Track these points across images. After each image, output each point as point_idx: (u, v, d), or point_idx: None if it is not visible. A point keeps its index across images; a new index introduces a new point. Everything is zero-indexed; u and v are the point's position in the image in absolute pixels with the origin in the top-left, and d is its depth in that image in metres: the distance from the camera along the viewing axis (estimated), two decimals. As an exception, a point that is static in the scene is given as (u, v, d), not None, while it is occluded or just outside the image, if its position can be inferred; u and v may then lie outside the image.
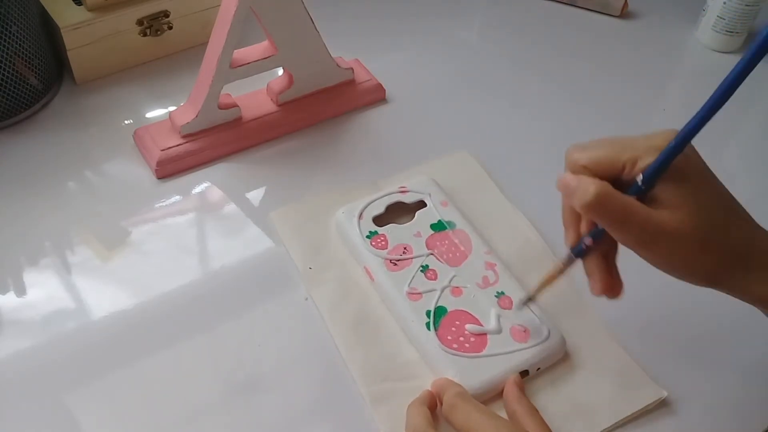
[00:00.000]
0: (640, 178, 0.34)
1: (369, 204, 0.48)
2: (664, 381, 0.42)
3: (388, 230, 0.47)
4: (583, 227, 0.38)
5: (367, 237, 0.47)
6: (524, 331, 0.42)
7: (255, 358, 0.43)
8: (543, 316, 0.43)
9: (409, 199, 0.49)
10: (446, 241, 0.47)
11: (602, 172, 0.35)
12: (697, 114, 0.33)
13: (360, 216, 0.48)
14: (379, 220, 0.48)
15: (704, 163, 0.35)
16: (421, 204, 0.49)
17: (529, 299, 0.42)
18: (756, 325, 0.46)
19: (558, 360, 0.42)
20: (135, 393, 0.41)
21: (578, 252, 0.38)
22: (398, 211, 0.49)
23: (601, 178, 0.35)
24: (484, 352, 0.41)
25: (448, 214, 0.48)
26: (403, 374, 0.42)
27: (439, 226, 0.48)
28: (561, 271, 0.39)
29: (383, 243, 0.46)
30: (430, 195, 0.49)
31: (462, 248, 0.46)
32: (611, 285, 0.38)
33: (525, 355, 0.41)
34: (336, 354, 0.43)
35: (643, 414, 0.41)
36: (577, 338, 0.43)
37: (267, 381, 0.42)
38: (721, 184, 0.35)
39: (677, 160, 0.34)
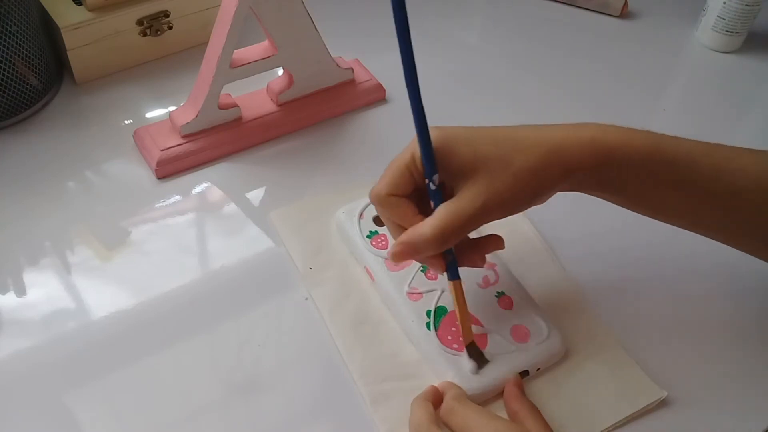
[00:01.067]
0: (431, 186, 0.37)
1: (369, 204, 0.48)
2: (664, 381, 0.42)
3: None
4: (437, 266, 0.39)
5: (368, 237, 0.47)
6: (524, 331, 0.42)
7: (255, 358, 0.43)
8: (543, 316, 0.43)
9: (409, 199, 0.49)
10: (446, 241, 0.47)
11: (403, 186, 0.38)
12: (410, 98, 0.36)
13: (360, 216, 0.48)
14: (379, 220, 0.48)
15: (459, 129, 0.38)
16: (421, 204, 0.49)
17: (473, 347, 0.41)
18: (756, 325, 0.46)
19: (558, 360, 0.42)
20: (135, 393, 0.41)
21: (454, 273, 0.39)
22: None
23: (405, 191, 0.38)
24: (485, 352, 0.41)
25: (448, 214, 0.48)
26: (403, 374, 0.42)
27: (439, 226, 0.48)
28: (461, 300, 0.40)
29: (383, 243, 0.46)
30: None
31: (462, 248, 0.46)
32: (488, 245, 0.41)
33: (525, 355, 0.41)
34: (336, 354, 0.43)
35: (643, 414, 0.41)
36: (577, 338, 0.43)
37: (267, 381, 0.42)
38: (485, 129, 0.38)
39: (439, 145, 0.37)
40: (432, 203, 0.38)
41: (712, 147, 0.41)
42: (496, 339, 0.42)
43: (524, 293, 0.44)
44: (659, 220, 0.43)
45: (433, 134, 0.37)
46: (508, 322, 0.43)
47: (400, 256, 0.38)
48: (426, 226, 0.37)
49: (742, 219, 0.41)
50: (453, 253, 0.39)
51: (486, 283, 0.45)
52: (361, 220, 0.48)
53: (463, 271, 0.45)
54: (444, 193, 0.38)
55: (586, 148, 0.38)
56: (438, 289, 0.44)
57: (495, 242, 0.41)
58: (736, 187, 0.40)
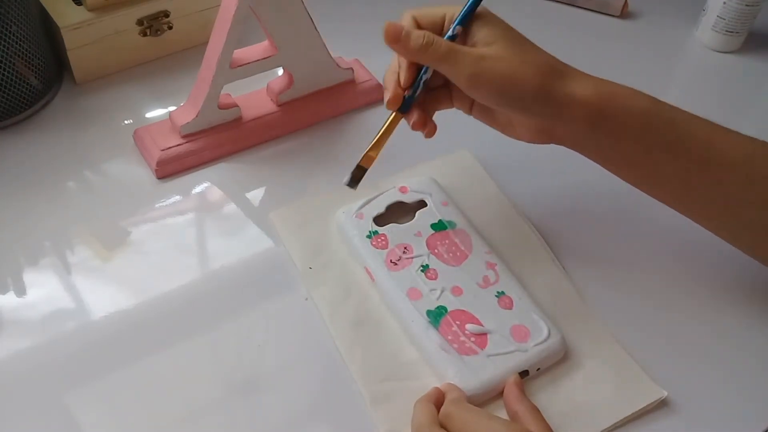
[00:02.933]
0: (454, 25, 0.41)
1: (369, 204, 0.48)
2: (664, 381, 0.42)
3: (389, 230, 0.47)
4: (403, 79, 0.42)
5: (368, 237, 0.47)
6: (524, 331, 0.42)
7: (255, 358, 0.43)
8: (543, 316, 0.43)
9: (409, 198, 0.49)
10: (446, 241, 0.47)
11: (426, 23, 0.42)
12: None
13: (360, 216, 0.48)
14: (379, 220, 0.48)
15: (504, 20, 0.42)
16: (422, 204, 0.49)
17: (360, 174, 0.44)
18: (756, 325, 0.46)
19: (558, 360, 0.42)
20: (135, 393, 0.41)
21: (405, 107, 0.43)
22: (398, 211, 0.49)
23: (426, 28, 0.41)
24: (485, 352, 0.41)
25: (448, 214, 0.48)
26: (403, 374, 0.42)
27: (439, 226, 0.48)
28: (389, 131, 0.44)
29: (383, 243, 0.46)
30: (430, 195, 0.49)
31: (462, 248, 0.46)
32: (425, 123, 0.43)
33: (525, 355, 0.41)
34: (336, 354, 0.43)
35: (643, 414, 0.41)
36: (577, 338, 0.43)
37: (267, 381, 0.42)
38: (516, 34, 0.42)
39: (482, 11, 0.41)
40: None
41: (709, 122, 0.42)
42: (496, 339, 0.42)
43: (524, 293, 0.44)
44: (645, 188, 0.44)
45: (486, 12, 0.41)
46: (508, 322, 0.43)
47: (389, 29, 0.40)
48: (419, 31, 0.40)
49: (729, 193, 0.42)
50: (417, 91, 0.42)
51: (486, 283, 0.45)
52: (361, 220, 0.48)
53: (462, 270, 0.45)
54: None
55: (591, 85, 0.41)
56: (438, 289, 0.44)
57: (431, 127, 0.44)
58: (726, 159, 0.41)
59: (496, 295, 0.44)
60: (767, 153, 0.42)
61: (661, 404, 0.41)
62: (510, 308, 0.43)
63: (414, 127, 0.43)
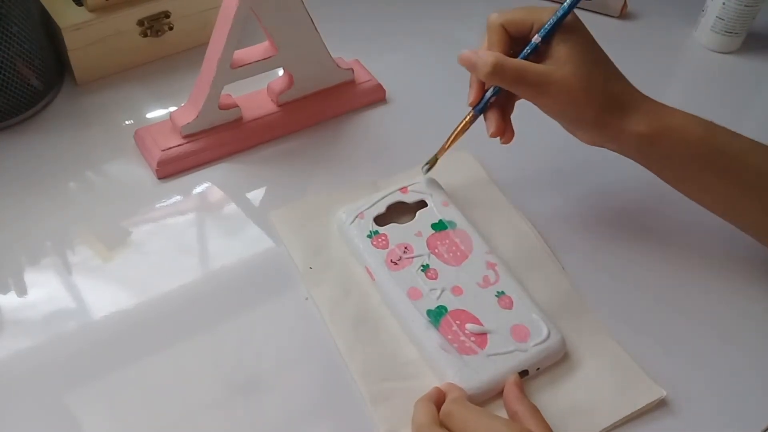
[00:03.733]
0: (536, 38, 0.43)
1: (370, 204, 0.49)
2: (663, 381, 0.42)
3: (389, 230, 0.47)
4: (473, 98, 0.46)
5: (368, 237, 0.47)
6: (524, 331, 0.42)
7: (255, 358, 0.43)
8: (543, 316, 0.43)
9: (409, 198, 0.49)
10: (447, 241, 0.47)
11: (515, 30, 0.44)
12: None
13: (361, 216, 0.48)
14: (379, 220, 0.48)
15: (588, 31, 0.43)
16: (422, 204, 0.49)
17: (435, 161, 0.48)
18: (755, 324, 0.46)
19: (558, 360, 0.42)
20: (135, 393, 0.41)
21: (480, 110, 0.46)
22: (399, 211, 0.49)
23: (513, 35, 0.44)
24: (484, 351, 0.41)
25: (448, 214, 0.48)
26: (404, 374, 0.42)
27: (439, 226, 0.48)
28: (465, 129, 0.47)
29: (384, 242, 0.46)
30: (430, 195, 0.49)
31: (462, 248, 0.46)
32: (504, 130, 0.45)
33: (525, 354, 0.41)
34: (336, 354, 0.43)
35: (642, 413, 0.41)
36: (577, 338, 0.44)
37: (267, 381, 0.42)
38: (600, 48, 0.44)
39: (567, 23, 0.42)
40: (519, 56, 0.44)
41: (764, 146, 0.43)
42: (496, 339, 0.42)
43: (524, 293, 0.44)
44: (695, 201, 0.45)
45: (572, 18, 0.43)
46: (508, 322, 0.43)
47: (464, 58, 0.43)
48: (493, 54, 0.42)
49: None
50: (489, 100, 0.45)
51: (486, 283, 0.45)
52: (362, 220, 0.48)
53: (462, 270, 0.45)
54: (533, 57, 0.43)
55: (645, 121, 0.43)
56: (438, 288, 0.44)
57: (509, 133, 0.46)
58: None
59: (496, 295, 0.44)
60: None
61: (661, 404, 0.41)
62: (510, 308, 0.43)
63: (492, 135, 0.45)
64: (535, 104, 0.44)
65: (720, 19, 0.66)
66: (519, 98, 0.46)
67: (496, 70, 0.41)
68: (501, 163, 0.54)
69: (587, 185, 0.48)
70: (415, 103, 0.59)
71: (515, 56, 0.43)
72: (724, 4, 0.65)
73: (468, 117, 0.46)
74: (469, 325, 0.42)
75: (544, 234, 0.50)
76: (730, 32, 0.66)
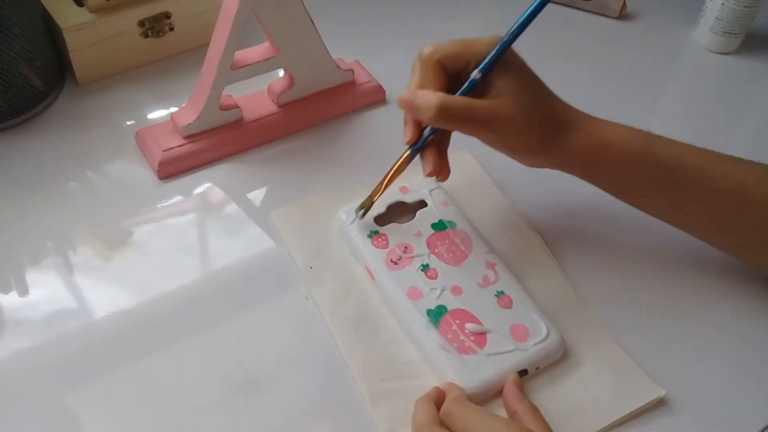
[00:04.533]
0: (475, 74, 0.41)
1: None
2: (662, 380, 0.42)
3: (389, 230, 0.47)
4: (410, 136, 0.44)
5: (369, 236, 0.47)
6: (524, 331, 0.42)
7: (255, 358, 0.43)
8: (542, 316, 0.43)
9: (409, 198, 0.49)
10: (447, 241, 0.47)
11: (452, 66, 0.42)
12: (517, 21, 0.42)
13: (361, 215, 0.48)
14: (380, 220, 0.48)
15: (523, 60, 0.43)
16: (422, 204, 0.49)
17: (370, 204, 0.46)
18: (754, 324, 0.46)
19: (557, 359, 0.42)
20: (136, 393, 0.41)
21: (418, 149, 0.44)
22: (399, 211, 0.49)
23: (449, 71, 0.42)
24: (484, 351, 0.41)
25: (448, 214, 0.49)
26: (403, 374, 0.42)
27: (439, 226, 0.48)
28: (402, 169, 0.45)
29: (384, 242, 0.47)
30: (430, 195, 0.50)
31: (462, 248, 0.47)
32: (441, 167, 0.44)
33: (524, 354, 0.41)
34: (336, 354, 0.43)
35: (641, 413, 0.41)
36: (577, 337, 0.44)
37: (267, 381, 0.42)
38: (536, 75, 0.43)
39: (505, 56, 0.41)
40: (457, 92, 0.42)
41: (703, 154, 0.44)
42: (495, 338, 0.42)
43: (524, 293, 0.44)
44: (642, 211, 0.46)
45: (510, 53, 0.42)
46: (508, 322, 0.43)
47: (403, 101, 0.41)
48: (436, 96, 0.40)
49: (723, 219, 0.44)
50: (427, 138, 0.43)
51: (486, 283, 0.45)
52: (362, 220, 0.48)
53: (462, 270, 0.45)
54: (471, 93, 0.42)
55: (585, 138, 0.43)
56: (438, 288, 0.44)
57: (444, 170, 0.44)
58: (719, 190, 0.43)
59: (495, 295, 0.44)
60: (760, 178, 0.43)
61: (660, 403, 0.41)
62: (509, 308, 0.44)
63: (429, 175, 0.44)
64: (479, 138, 0.43)
65: (719, 19, 0.66)
66: (453, 131, 0.45)
67: (442, 112, 0.40)
68: (501, 163, 0.54)
69: (587, 185, 0.48)
70: (415, 103, 0.59)
71: (451, 92, 0.42)
72: (723, 4, 0.65)
73: (405, 156, 0.44)
74: (468, 325, 0.42)
75: (543, 234, 0.50)
76: (729, 33, 0.66)
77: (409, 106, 0.41)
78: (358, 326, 0.44)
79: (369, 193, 0.46)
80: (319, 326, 0.44)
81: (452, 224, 0.48)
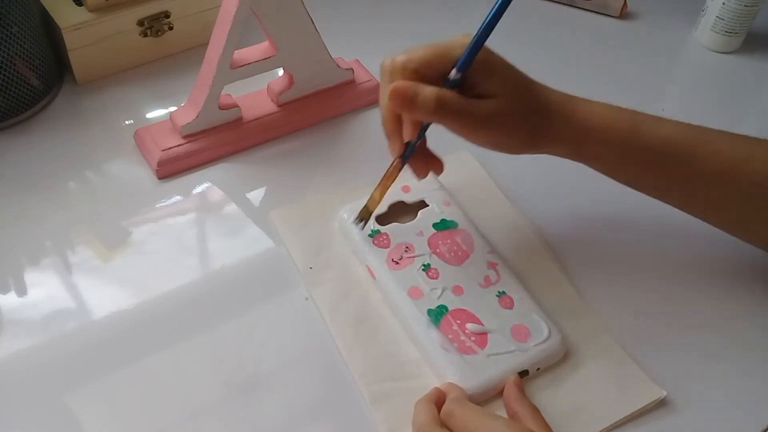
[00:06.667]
0: (453, 73, 0.40)
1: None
2: (663, 381, 0.42)
3: (391, 229, 0.47)
4: (407, 134, 0.42)
5: (370, 236, 0.47)
6: (525, 331, 0.42)
7: (255, 358, 0.43)
8: (543, 316, 0.43)
9: (411, 198, 0.49)
10: (448, 241, 0.47)
11: (431, 73, 0.40)
12: (487, 16, 0.40)
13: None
14: (381, 219, 0.48)
15: (502, 57, 0.42)
16: (423, 203, 0.49)
17: (369, 214, 0.46)
18: (755, 324, 0.46)
19: (558, 360, 0.42)
20: (135, 393, 0.41)
21: (407, 156, 0.43)
22: (400, 211, 0.49)
23: (429, 79, 0.39)
24: (485, 351, 0.41)
25: (450, 214, 0.48)
26: (404, 374, 0.42)
27: (441, 226, 0.48)
28: (394, 178, 0.44)
29: (385, 242, 0.46)
30: (432, 194, 0.50)
31: (464, 247, 0.47)
32: (433, 164, 0.44)
33: (525, 354, 0.41)
34: (336, 354, 0.43)
35: (642, 413, 0.41)
36: (577, 338, 0.44)
37: (267, 381, 0.42)
38: (517, 69, 0.42)
39: (483, 57, 0.40)
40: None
41: (694, 132, 0.44)
42: (496, 338, 0.42)
43: (525, 293, 0.44)
44: (632, 187, 0.46)
45: (489, 55, 0.41)
46: (509, 322, 0.43)
47: (398, 93, 0.38)
48: (434, 88, 0.39)
49: (713, 199, 0.44)
50: (416, 144, 0.42)
51: (487, 283, 0.45)
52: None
53: (463, 270, 0.45)
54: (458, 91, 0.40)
55: (568, 126, 0.43)
56: (439, 288, 0.44)
57: (437, 165, 0.44)
58: (708, 171, 0.43)
59: (497, 295, 0.44)
60: (747, 155, 0.43)
61: (660, 404, 0.41)
62: (511, 308, 0.43)
63: (420, 177, 0.44)
64: (470, 138, 0.42)
65: (720, 18, 0.66)
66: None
67: (441, 104, 0.38)
68: (502, 162, 0.54)
69: (588, 185, 0.48)
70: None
71: None
72: (724, 4, 0.65)
73: (394, 166, 0.43)
74: (469, 325, 0.42)
75: (545, 234, 0.50)
76: (730, 32, 0.66)
77: (404, 99, 0.38)
78: (358, 326, 0.44)
79: (369, 193, 0.46)
80: (319, 326, 0.44)
81: (454, 224, 0.48)
